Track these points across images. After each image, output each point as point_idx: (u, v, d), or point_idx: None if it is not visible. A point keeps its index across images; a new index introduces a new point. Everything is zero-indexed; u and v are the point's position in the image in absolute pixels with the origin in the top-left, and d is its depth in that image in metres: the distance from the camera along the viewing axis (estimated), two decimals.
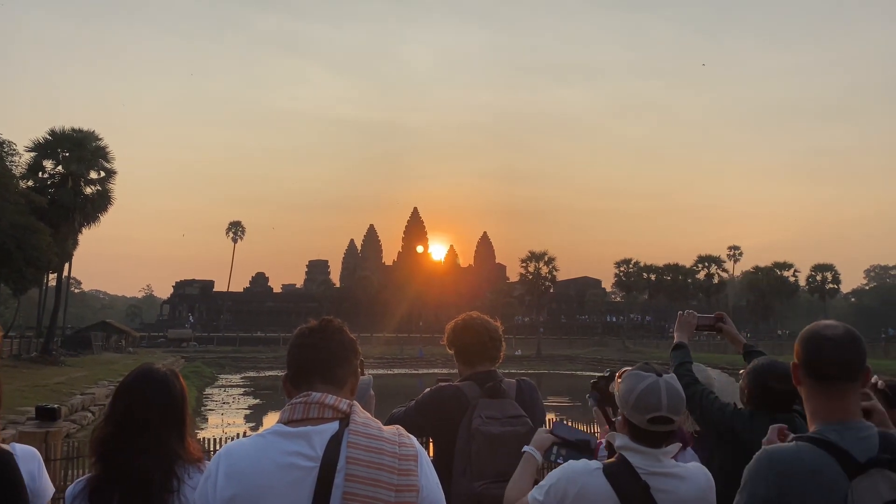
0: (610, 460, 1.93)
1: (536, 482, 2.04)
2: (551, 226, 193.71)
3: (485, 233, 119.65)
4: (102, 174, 42.54)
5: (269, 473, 1.53)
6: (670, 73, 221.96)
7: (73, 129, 41.56)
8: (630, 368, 2.01)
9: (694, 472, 1.95)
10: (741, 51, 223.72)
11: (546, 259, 77.37)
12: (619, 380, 2.02)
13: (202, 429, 23.20)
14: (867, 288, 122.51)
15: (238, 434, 12.57)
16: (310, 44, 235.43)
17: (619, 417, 1.96)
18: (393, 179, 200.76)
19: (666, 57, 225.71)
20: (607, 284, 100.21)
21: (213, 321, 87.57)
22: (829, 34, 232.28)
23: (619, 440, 1.94)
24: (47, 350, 39.12)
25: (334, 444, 1.55)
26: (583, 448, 2.23)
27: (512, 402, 2.67)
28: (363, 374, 2.15)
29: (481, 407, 2.59)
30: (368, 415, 1.66)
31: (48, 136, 40.89)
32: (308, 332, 1.76)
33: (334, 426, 1.59)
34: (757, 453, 1.69)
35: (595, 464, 1.91)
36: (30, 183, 39.09)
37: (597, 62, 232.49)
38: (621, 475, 1.85)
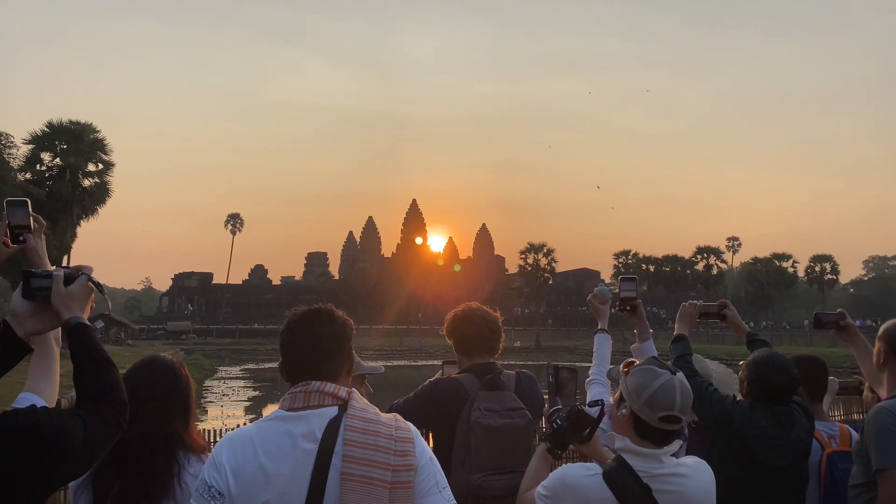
0: (609, 463, 1.88)
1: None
2: (550, 217, 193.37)
3: (484, 224, 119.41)
4: (100, 166, 42.42)
5: (269, 456, 1.60)
6: (670, 64, 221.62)
7: (71, 122, 41.42)
8: (638, 362, 1.97)
9: (697, 468, 1.91)
10: (741, 42, 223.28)
11: (545, 251, 77.35)
12: (626, 370, 1.97)
13: (202, 421, 23.22)
14: (866, 279, 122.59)
15: (238, 425, 12.57)
16: (309, 34, 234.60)
17: (624, 411, 1.90)
18: (392, 171, 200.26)
19: (666, 48, 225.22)
20: (606, 276, 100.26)
21: (212, 313, 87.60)
22: (829, 25, 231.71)
23: (620, 441, 1.90)
24: None
25: (333, 427, 1.63)
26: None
27: (511, 394, 2.65)
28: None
29: (480, 399, 2.57)
30: (366, 401, 1.73)
31: (46, 129, 40.74)
32: (296, 327, 1.77)
33: (333, 410, 1.66)
34: (875, 410, 2.45)
35: (594, 467, 1.87)
36: (27, 176, 38.89)
37: (597, 54, 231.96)
38: (621, 479, 1.80)
